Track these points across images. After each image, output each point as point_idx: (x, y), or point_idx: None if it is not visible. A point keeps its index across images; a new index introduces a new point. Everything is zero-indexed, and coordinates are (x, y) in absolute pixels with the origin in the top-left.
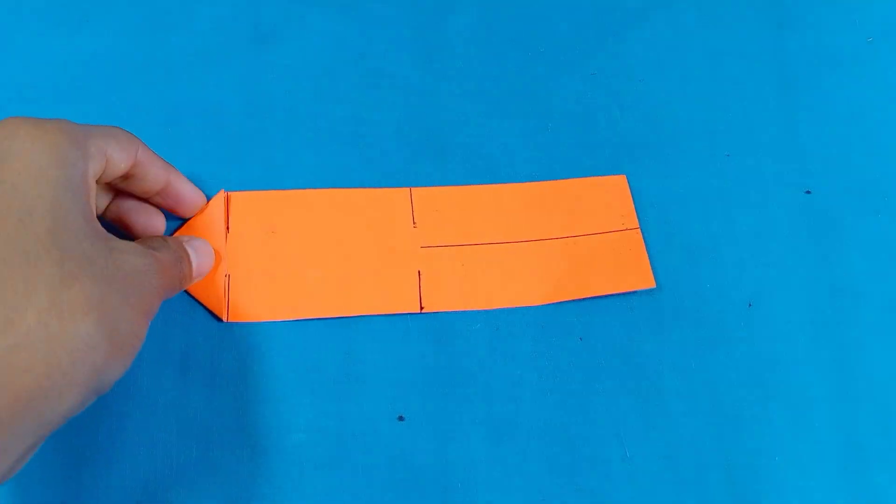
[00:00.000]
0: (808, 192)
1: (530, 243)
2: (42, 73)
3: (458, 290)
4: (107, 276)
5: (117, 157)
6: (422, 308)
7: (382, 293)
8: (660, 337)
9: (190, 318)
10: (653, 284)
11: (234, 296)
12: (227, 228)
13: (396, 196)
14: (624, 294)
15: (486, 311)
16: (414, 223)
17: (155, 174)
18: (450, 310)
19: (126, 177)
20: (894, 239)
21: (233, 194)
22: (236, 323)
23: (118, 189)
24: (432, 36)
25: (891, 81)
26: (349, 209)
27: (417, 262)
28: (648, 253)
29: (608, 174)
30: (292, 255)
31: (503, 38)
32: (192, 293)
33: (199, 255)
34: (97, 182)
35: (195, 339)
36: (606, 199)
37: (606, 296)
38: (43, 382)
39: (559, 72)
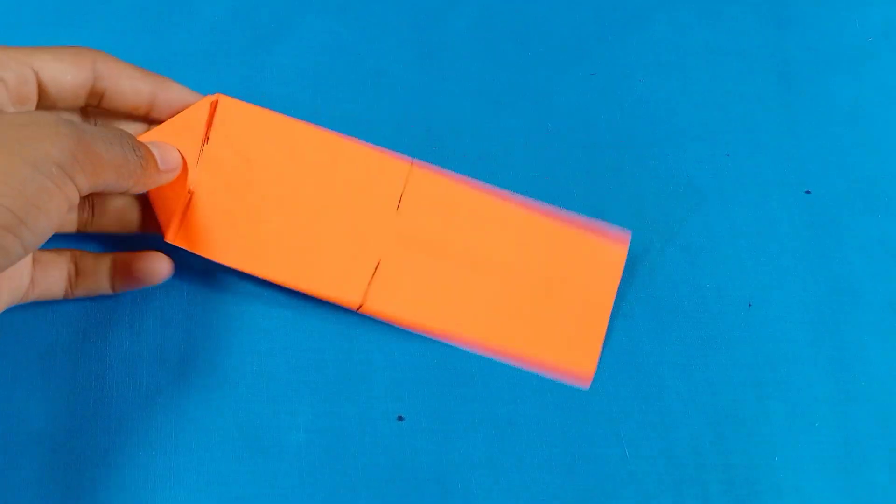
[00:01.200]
0: (808, 192)
1: (500, 278)
2: None
3: (405, 300)
4: None
5: (59, 69)
6: (360, 306)
7: (330, 273)
8: (660, 337)
9: (189, 317)
10: (589, 377)
11: (188, 218)
12: (207, 138)
13: (393, 166)
14: (623, 295)
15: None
16: (399, 205)
17: (132, 86)
18: (387, 319)
19: (97, 94)
20: (894, 239)
21: (223, 100)
22: (237, 320)
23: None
24: (432, 36)
25: (891, 81)
26: (337, 162)
27: (382, 251)
28: (648, 254)
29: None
30: (258, 195)
31: (503, 38)
32: (151, 197)
33: (162, 150)
34: (55, 99)
35: (195, 338)
36: (597, 259)
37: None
38: None
39: (559, 72)
